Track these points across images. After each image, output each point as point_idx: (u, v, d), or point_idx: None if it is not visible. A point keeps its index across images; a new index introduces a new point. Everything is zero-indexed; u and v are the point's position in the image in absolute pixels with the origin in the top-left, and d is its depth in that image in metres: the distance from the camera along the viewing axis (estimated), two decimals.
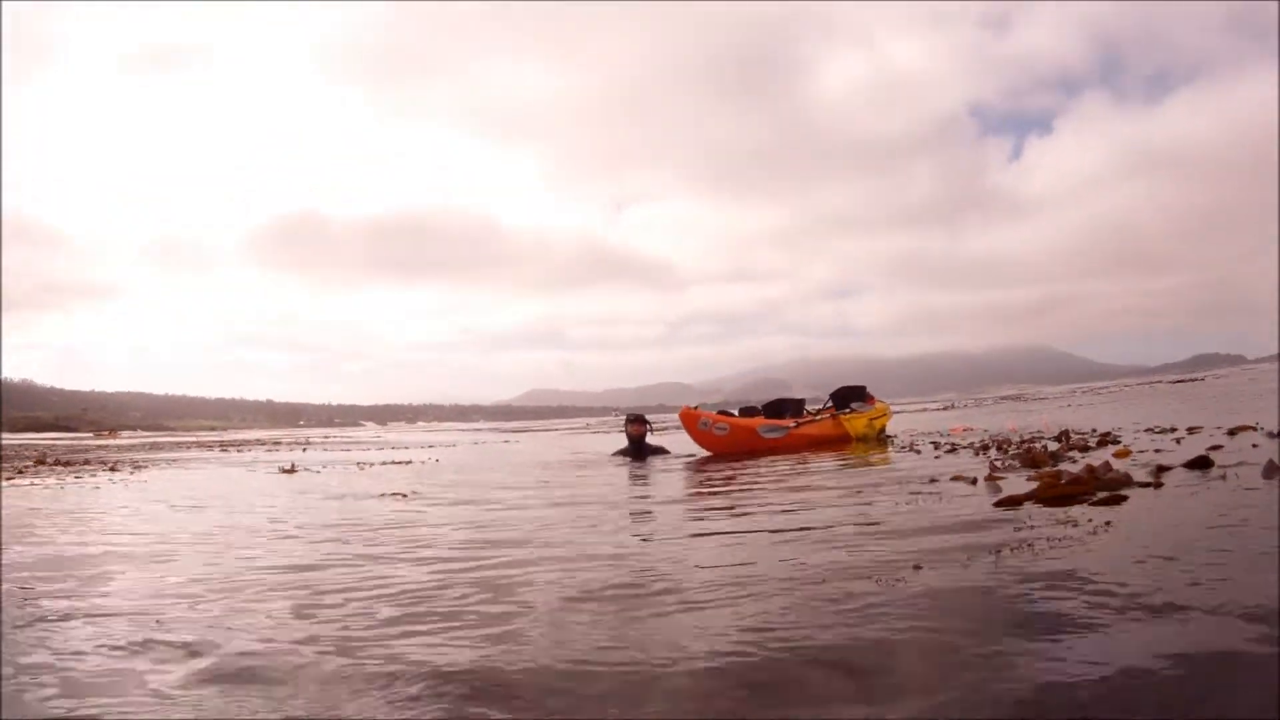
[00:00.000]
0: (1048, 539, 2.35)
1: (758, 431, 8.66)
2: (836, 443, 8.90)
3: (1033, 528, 2.56)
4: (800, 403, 10.09)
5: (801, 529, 3.10)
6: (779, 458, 7.46)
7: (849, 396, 10.08)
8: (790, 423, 9.02)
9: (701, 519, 3.82)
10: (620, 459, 8.57)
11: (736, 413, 9.41)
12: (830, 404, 10.05)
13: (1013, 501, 3.14)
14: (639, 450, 8.59)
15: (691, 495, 4.97)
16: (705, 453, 8.51)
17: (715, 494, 4.85)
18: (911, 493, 3.83)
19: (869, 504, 3.65)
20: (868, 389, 10.35)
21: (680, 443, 9.30)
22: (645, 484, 5.87)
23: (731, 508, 4.04)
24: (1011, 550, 2.23)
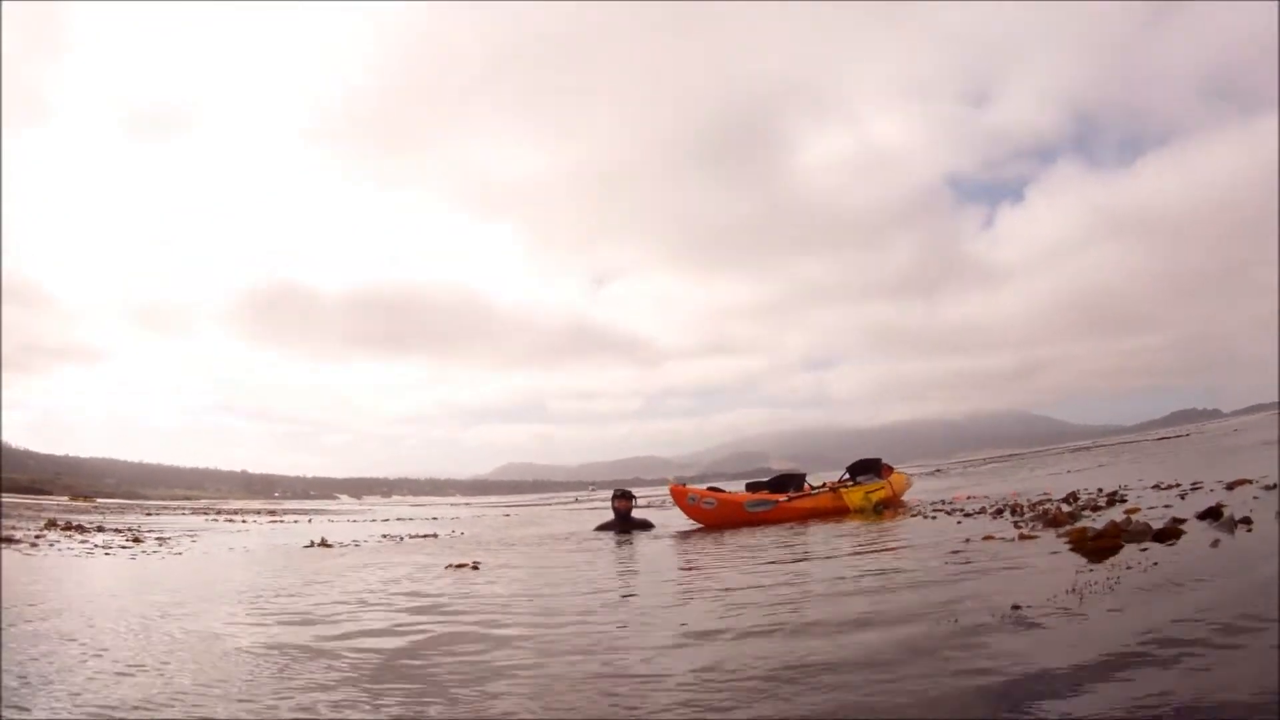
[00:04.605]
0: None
1: (744, 506, 9.10)
2: (832, 515, 9.20)
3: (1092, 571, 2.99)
4: (802, 477, 10.49)
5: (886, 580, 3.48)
6: (819, 524, 7.79)
7: (863, 469, 10.52)
8: (781, 497, 9.41)
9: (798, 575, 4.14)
10: (608, 532, 8.85)
11: (744, 486, 9.84)
12: (846, 476, 10.50)
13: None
14: (625, 523, 8.93)
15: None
16: (692, 525, 8.92)
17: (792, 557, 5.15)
18: (953, 552, 4.20)
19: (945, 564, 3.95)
20: (884, 460, 10.78)
21: (661, 516, 9.62)
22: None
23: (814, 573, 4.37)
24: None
